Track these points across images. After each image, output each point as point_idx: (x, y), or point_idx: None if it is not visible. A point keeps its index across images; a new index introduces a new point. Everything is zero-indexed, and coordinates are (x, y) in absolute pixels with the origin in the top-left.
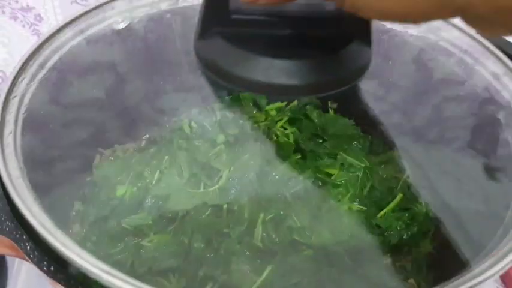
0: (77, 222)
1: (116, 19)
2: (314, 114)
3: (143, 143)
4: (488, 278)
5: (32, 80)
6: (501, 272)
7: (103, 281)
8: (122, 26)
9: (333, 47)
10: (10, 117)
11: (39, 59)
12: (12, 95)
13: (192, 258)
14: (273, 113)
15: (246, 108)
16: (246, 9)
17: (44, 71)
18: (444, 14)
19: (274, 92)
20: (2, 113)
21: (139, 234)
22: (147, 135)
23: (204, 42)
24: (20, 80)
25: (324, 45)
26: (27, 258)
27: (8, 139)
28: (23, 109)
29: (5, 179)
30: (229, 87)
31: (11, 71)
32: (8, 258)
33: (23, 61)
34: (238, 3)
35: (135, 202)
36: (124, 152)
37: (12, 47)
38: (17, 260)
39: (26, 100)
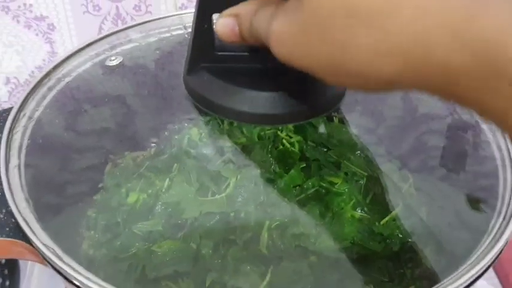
0: (89, 228)
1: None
2: (319, 123)
3: (152, 150)
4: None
5: (31, 116)
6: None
7: None
8: (115, 62)
9: (311, 77)
10: (14, 152)
11: (38, 94)
12: (15, 130)
13: (201, 263)
14: None
15: None
16: (229, 46)
17: (41, 108)
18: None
19: (257, 121)
20: (6, 149)
21: (149, 239)
22: (156, 143)
23: (192, 77)
24: (20, 116)
25: (303, 76)
26: (45, 263)
27: (14, 172)
28: (25, 143)
29: (15, 212)
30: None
31: (26, 78)
32: (21, 261)
33: (22, 98)
34: (223, 41)
35: (145, 208)
36: (134, 159)
37: (25, 54)
38: (30, 262)
39: (27, 134)
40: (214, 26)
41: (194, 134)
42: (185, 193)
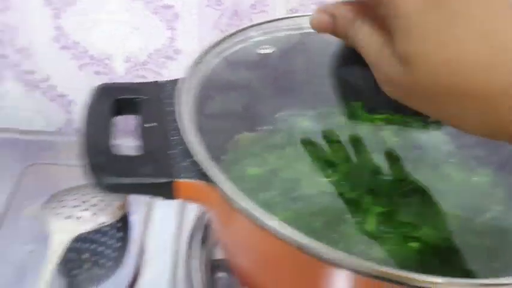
0: None
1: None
2: (415, 126)
3: (264, 133)
4: None
5: (188, 92)
6: None
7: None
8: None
9: None
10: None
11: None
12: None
13: (317, 235)
14: (379, 122)
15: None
16: None
17: (194, 86)
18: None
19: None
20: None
21: (269, 208)
22: (270, 127)
23: (341, 69)
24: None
25: None
26: (225, 206)
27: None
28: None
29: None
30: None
31: (144, 59)
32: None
33: (188, 77)
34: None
35: (263, 182)
36: (249, 139)
37: (147, 37)
38: (139, 223)
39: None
40: (310, 19)
41: (307, 122)
42: (300, 172)
